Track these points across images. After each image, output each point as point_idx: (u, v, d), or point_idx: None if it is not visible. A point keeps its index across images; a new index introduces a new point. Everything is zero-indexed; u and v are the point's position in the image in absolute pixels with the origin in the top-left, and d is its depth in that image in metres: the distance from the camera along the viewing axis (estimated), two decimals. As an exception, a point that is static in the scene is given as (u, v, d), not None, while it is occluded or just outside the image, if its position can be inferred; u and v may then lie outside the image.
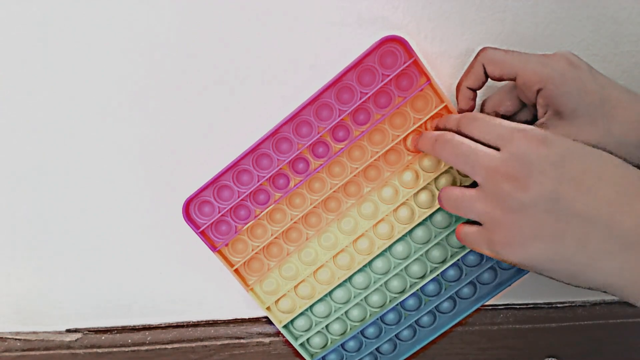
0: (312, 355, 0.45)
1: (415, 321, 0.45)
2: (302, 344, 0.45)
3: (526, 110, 0.38)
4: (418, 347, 0.45)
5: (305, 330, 0.45)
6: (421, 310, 0.44)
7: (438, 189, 0.42)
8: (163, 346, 0.47)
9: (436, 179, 0.42)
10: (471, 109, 0.39)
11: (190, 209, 0.42)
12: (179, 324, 0.48)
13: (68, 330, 0.48)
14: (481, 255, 0.44)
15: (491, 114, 0.38)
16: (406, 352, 0.45)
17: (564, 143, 0.30)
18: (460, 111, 0.39)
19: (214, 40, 0.39)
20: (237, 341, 0.47)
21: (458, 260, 0.43)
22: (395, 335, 0.45)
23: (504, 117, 0.39)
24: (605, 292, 0.29)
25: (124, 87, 0.40)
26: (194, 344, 0.47)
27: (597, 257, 0.28)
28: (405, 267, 0.44)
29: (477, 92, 0.38)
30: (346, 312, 0.45)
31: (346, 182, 0.42)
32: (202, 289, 0.47)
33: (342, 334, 0.45)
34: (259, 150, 0.41)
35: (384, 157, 0.42)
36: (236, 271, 0.43)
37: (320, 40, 0.40)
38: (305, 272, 0.43)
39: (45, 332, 0.49)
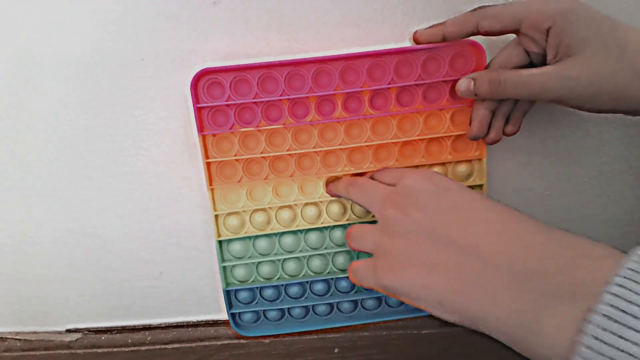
0: (227, 284, 0.44)
1: (337, 303, 0.45)
2: (225, 267, 0.43)
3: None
4: (323, 327, 0.45)
5: (238, 257, 0.43)
6: (349, 295, 0.44)
7: None
8: (163, 346, 0.47)
9: None
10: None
11: (200, 82, 0.39)
12: (179, 324, 0.48)
13: (68, 330, 0.48)
14: None
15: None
16: (313, 325, 0.45)
17: (448, 181, 0.32)
18: (473, 136, 0.39)
19: None
20: (237, 341, 0.46)
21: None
22: (312, 306, 0.44)
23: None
24: (467, 325, 0.28)
25: (123, 87, 0.41)
26: (194, 344, 0.47)
27: (470, 286, 0.27)
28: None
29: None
30: (283, 261, 0.44)
31: (354, 148, 0.41)
32: (202, 289, 0.46)
33: (268, 279, 0.44)
34: (297, 69, 0.39)
35: (401, 146, 0.41)
36: (208, 165, 0.40)
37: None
38: (270, 203, 0.42)
39: (45, 332, 0.49)
